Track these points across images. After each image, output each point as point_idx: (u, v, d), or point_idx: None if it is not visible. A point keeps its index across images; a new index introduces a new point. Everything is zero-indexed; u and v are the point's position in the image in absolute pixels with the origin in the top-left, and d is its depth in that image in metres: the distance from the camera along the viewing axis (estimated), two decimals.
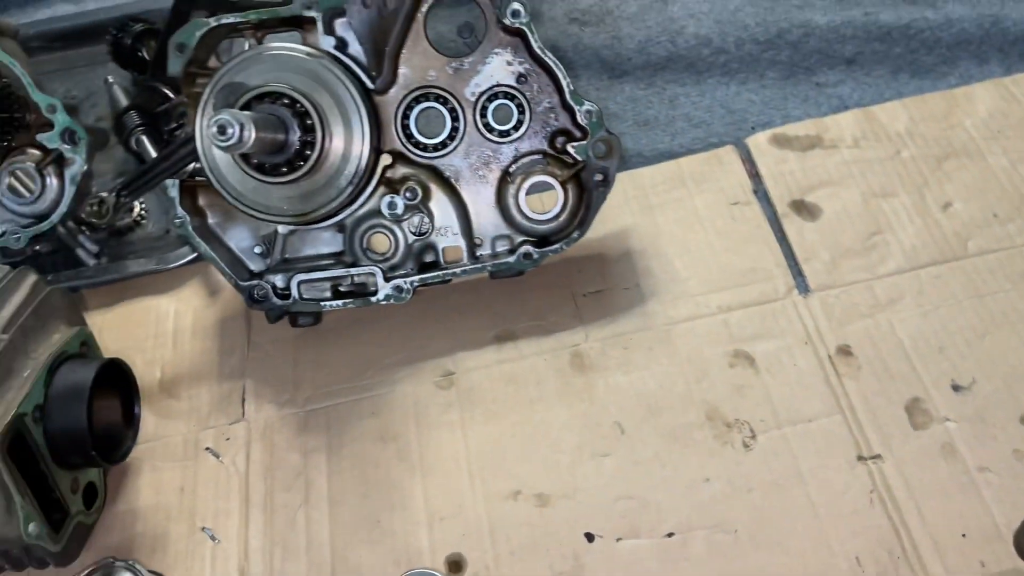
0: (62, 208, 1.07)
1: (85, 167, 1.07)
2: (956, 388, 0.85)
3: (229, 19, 0.91)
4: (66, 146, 1.07)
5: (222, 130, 0.71)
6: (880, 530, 0.79)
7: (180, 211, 0.94)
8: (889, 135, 1.04)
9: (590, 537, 0.82)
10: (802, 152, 1.05)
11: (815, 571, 0.77)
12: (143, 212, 1.16)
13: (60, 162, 1.07)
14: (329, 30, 0.90)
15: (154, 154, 1.08)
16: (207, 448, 0.93)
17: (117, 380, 0.86)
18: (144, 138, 1.16)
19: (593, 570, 0.80)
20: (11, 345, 0.78)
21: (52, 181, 1.07)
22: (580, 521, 0.83)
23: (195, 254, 1.04)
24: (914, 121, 1.05)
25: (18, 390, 0.77)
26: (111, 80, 1.20)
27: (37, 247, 1.11)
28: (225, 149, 0.73)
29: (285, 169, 0.86)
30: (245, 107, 0.85)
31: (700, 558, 0.80)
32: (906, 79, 1.10)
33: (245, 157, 0.86)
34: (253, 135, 0.73)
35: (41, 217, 1.06)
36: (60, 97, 1.06)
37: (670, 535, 0.81)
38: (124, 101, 1.17)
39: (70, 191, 1.07)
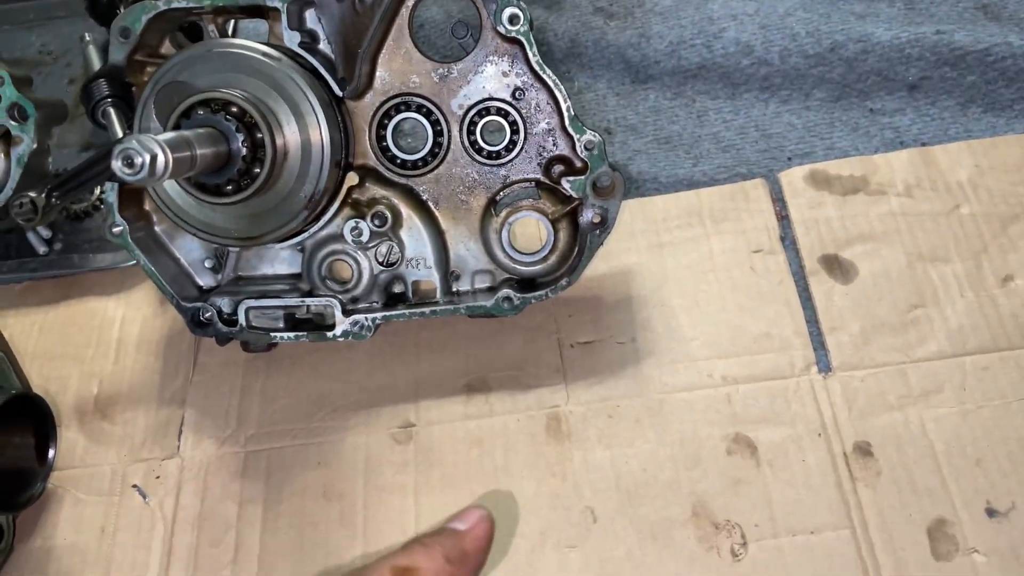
0: (7, 191, 0.97)
1: (34, 146, 0.97)
2: (991, 513, 0.72)
3: (181, 4, 0.78)
4: (12, 123, 0.96)
5: (128, 161, 0.59)
6: None
7: (118, 219, 0.83)
8: (949, 184, 0.88)
9: None
10: (843, 196, 0.90)
11: None
12: (102, 196, 1.06)
13: (7, 140, 0.97)
14: (296, 23, 0.77)
15: (120, 131, 0.97)
16: (135, 486, 0.84)
17: (33, 413, 0.77)
18: (112, 111, 1.05)
19: None
20: None
21: None
22: None
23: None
24: (980, 170, 0.89)
25: None
26: (88, 38, 1.09)
27: None
28: (134, 183, 0.61)
29: (229, 188, 0.74)
30: (184, 115, 0.72)
31: None
32: (977, 114, 0.94)
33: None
34: (170, 164, 0.61)
35: None
36: (35, 51, 0.95)
37: None
38: (98, 64, 1.06)
39: (16, 172, 0.97)
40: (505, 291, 0.81)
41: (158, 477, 0.84)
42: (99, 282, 0.98)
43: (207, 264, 0.87)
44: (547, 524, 0.77)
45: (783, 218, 0.90)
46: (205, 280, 0.87)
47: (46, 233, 1.03)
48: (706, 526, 0.75)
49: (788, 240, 0.89)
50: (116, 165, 0.59)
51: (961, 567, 0.70)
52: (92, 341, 0.94)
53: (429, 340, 0.89)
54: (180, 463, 0.85)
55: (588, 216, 0.79)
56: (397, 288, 0.85)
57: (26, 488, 0.75)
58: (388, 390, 0.86)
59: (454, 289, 0.84)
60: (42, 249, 1.01)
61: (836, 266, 0.86)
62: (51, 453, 0.76)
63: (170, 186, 0.78)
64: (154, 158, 0.60)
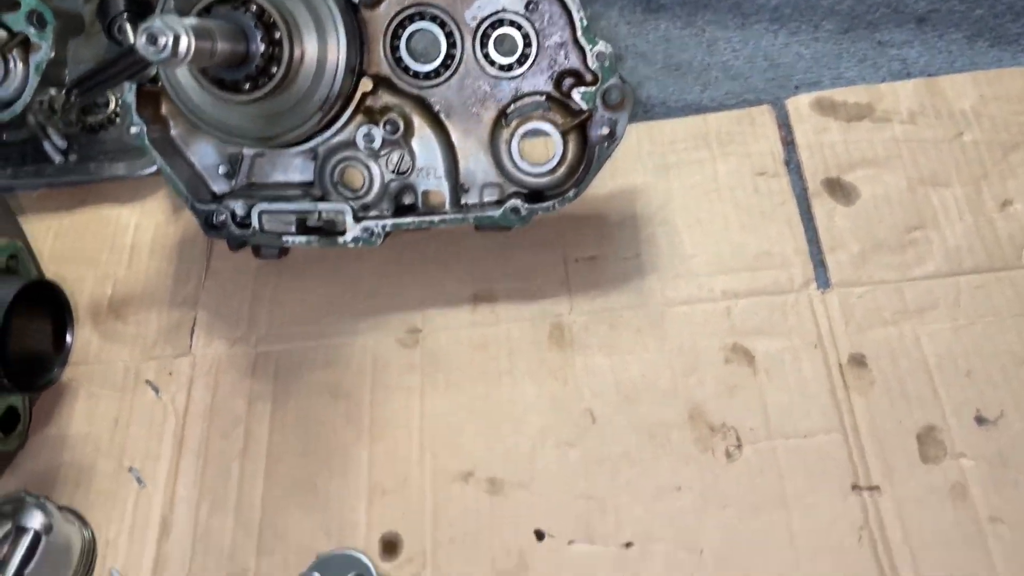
0: (25, 97, 0.99)
1: (52, 54, 0.98)
2: (980, 420, 0.74)
3: None
4: (32, 30, 0.97)
5: (152, 39, 0.61)
6: (865, 573, 0.69)
7: (136, 119, 0.84)
8: (952, 113, 0.90)
9: (540, 535, 0.74)
10: (847, 123, 0.91)
11: None
12: (118, 109, 1.07)
13: (26, 47, 0.98)
14: None
15: None
16: (148, 381, 0.86)
17: (49, 301, 0.79)
18: (128, 26, 1.06)
19: (538, 572, 0.73)
20: None
21: (17, 66, 0.98)
22: (532, 516, 0.75)
23: None
24: (984, 99, 0.90)
25: None
26: None
27: (3, 135, 1.03)
28: (157, 63, 0.63)
29: (247, 86, 0.76)
30: (205, 10, 0.74)
31: (658, 574, 0.71)
32: (984, 48, 0.95)
33: (202, 69, 0.75)
34: (192, 48, 0.62)
35: (4, 104, 0.99)
36: None
37: (628, 545, 0.73)
38: None
39: (34, 79, 0.98)
40: (513, 202, 0.82)
41: (170, 373, 0.86)
42: (113, 191, 0.99)
43: (221, 170, 0.88)
44: (548, 423, 0.79)
45: (788, 143, 0.92)
46: (219, 186, 0.89)
47: (61, 143, 1.04)
48: (702, 429, 0.77)
49: (792, 164, 0.90)
50: (140, 43, 0.61)
51: (948, 469, 0.72)
52: (106, 246, 0.96)
53: (436, 253, 0.91)
54: (192, 361, 0.87)
55: (597, 128, 0.81)
56: (407, 199, 0.86)
57: (44, 372, 0.78)
58: (396, 298, 0.88)
59: (463, 201, 0.86)
60: (58, 159, 1.03)
61: (838, 188, 0.88)
62: (68, 339, 0.78)
63: (187, 83, 0.79)
64: (177, 38, 0.61)
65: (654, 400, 0.79)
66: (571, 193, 0.82)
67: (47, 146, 1.03)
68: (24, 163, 1.02)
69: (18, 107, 0.98)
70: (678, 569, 0.71)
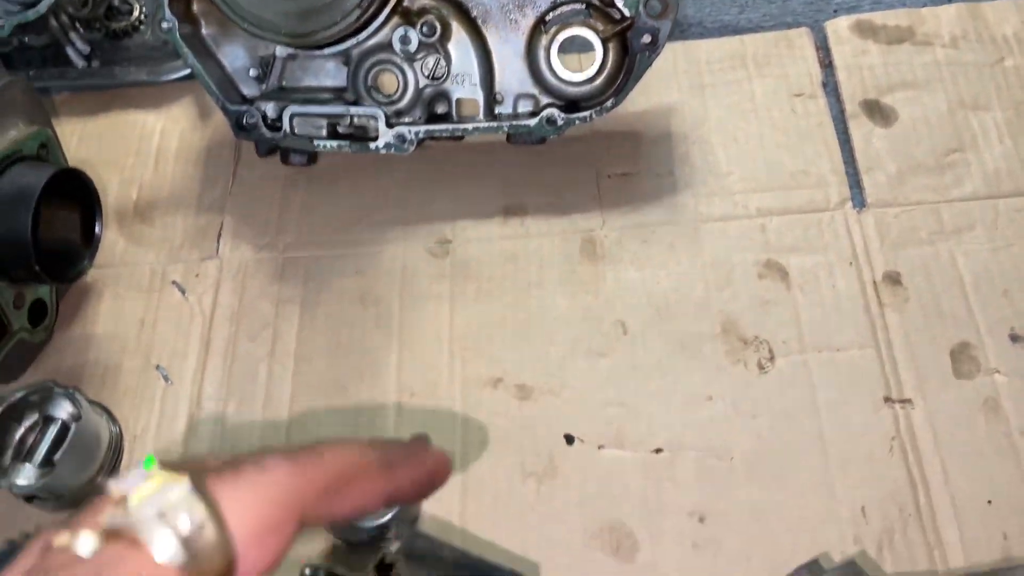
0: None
1: None
2: (1015, 338, 0.74)
3: None
4: None
5: None
6: (895, 482, 0.69)
7: (168, 14, 0.83)
8: (995, 38, 0.89)
9: (570, 439, 0.74)
10: (887, 45, 0.90)
11: (813, 514, 0.69)
12: (142, 16, 1.05)
13: None
14: None
15: None
16: (174, 282, 0.85)
17: (78, 193, 0.78)
18: None
19: (567, 476, 0.73)
20: None
21: None
22: (562, 421, 0.75)
23: (190, 70, 0.93)
24: None
25: None
26: None
27: (25, 38, 1.01)
28: None
29: None
30: None
31: (687, 481, 0.71)
32: None
33: None
34: None
35: (28, 4, 0.97)
36: None
37: (658, 451, 0.73)
38: None
39: None
40: (550, 111, 0.81)
41: (197, 276, 0.86)
42: (137, 97, 0.98)
43: (251, 73, 0.87)
44: (578, 334, 0.79)
45: (826, 65, 0.90)
46: (249, 90, 0.87)
47: (84, 48, 1.02)
48: (734, 341, 0.77)
49: (830, 86, 0.89)
50: None
51: (981, 385, 0.72)
52: (131, 151, 0.94)
53: (467, 166, 0.90)
54: (219, 264, 0.86)
55: (639, 37, 0.79)
56: (440, 107, 0.85)
57: (74, 263, 0.77)
58: (426, 209, 0.87)
59: (496, 112, 0.85)
60: (80, 64, 1.01)
61: (876, 110, 0.87)
62: (97, 229, 0.77)
63: None
64: None
65: (686, 313, 0.79)
66: (610, 103, 0.81)
67: (70, 51, 1.02)
68: (46, 66, 1.01)
69: (43, 7, 0.96)
70: (708, 475, 0.71)
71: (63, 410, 0.74)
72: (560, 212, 0.86)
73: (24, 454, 0.72)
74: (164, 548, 0.29)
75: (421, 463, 0.38)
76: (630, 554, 0.69)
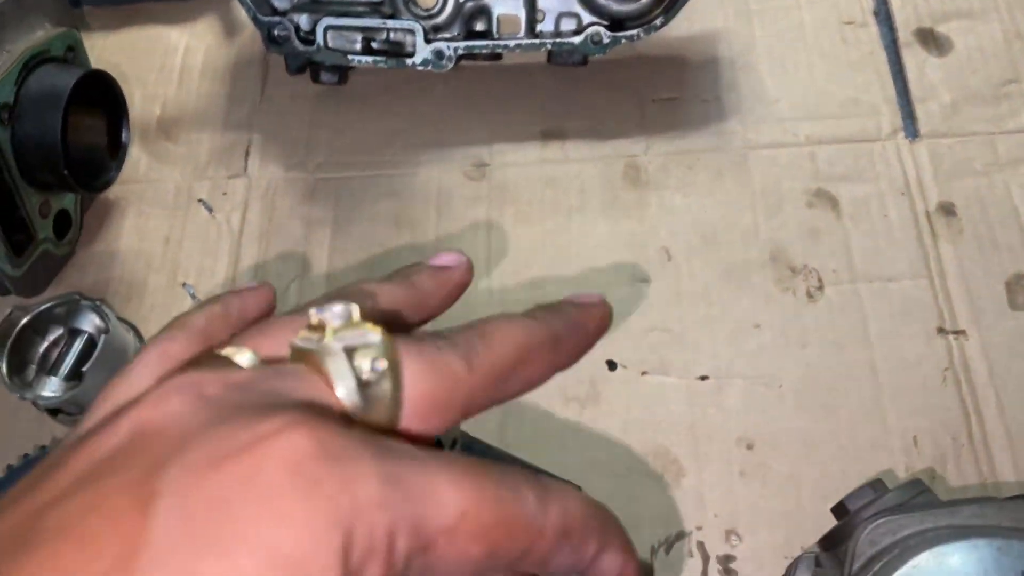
0: None
1: None
2: None
3: None
4: None
5: None
6: (948, 412, 0.68)
7: None
8: None
9: (612, 365, 0.72)
10: None
11: (863, 443, 0.67)
12: None
13: None
14: None
15: None
16: (200, 200, 0.83)
17: (104, 100, 0.75)
18: None
19: (610, 401, 0.71)
20: None
21: None
22: (604, 347, 0.72)
23: None
24: None
25: None
26: None
27: None
28: None
29: None
30: None
31: (733, 408, 0.70)
32: None
33: None
34: None
35: None
36: None
37: (704, 378, 0.71)
38: None
39: None
40: (595, 29, 0.78)
41: (224, 194, 0.83)
42: (160, 12, 0.94)
43: None
44: (622, 259, 0.77)
45: None
46: (281, 2, 0.84)
47: None
48: (783, 270, 0.75)
49: (882, 15, 0.86)
50: None
51: None
52: (154, 67, 0.91)
53: (504, 90, 0.87)
54: (247, 182, 0.83)
55: None
56: (480, 25, 0.82)
57: (101, 172, 0.74)
58: (461, 131, 0.85)
59: (538, 30, 0.81)
60: None
61: (930, 39, 0.84)
62: (124, 137, 0.74)
63: None
64: None
65: (733, 241, 0.76)
66: (659, 21, 0.78)
67: None
68: None
69: None
70: (755, 402, 0.70)
71: (89, 323, 0.71)
72: (601, 137, 0.83)
73: (49, 367, 0.70)
74: (346, 385, 0.28)
75: (585, 331, 0.36)
76: (676, 479, 0.67)
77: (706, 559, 0.64)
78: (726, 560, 0.64)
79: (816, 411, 0.69)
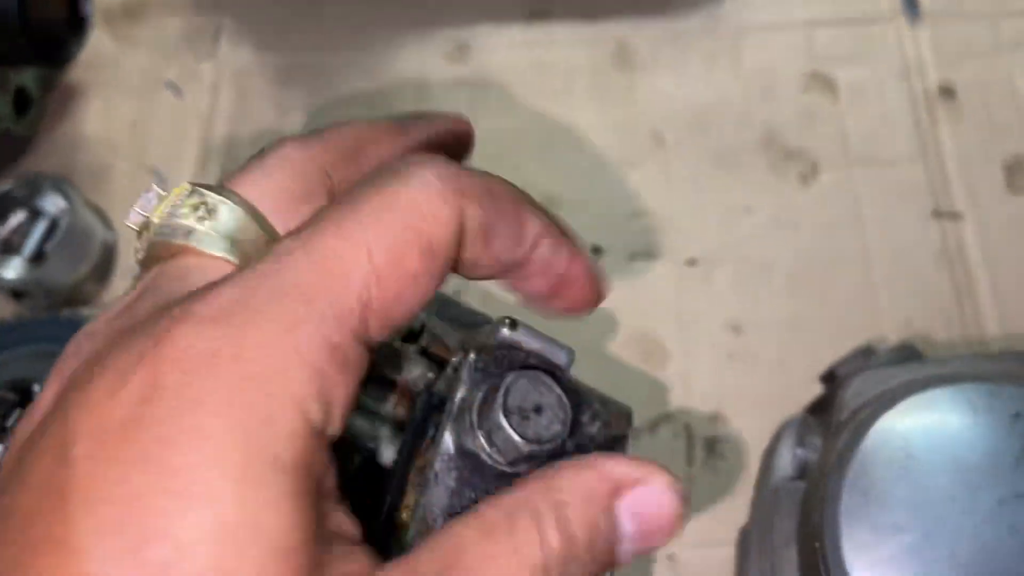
0: None
1: None
2: None
3: None
4: None
5: None
6: (942, 296, 0.66)
7: None
8: None
9: (597, 250, 0.70)
10: None
11: (855, 326, 0.65)
12: None
13: None
14: None
15: None
16: (168, 83, 0.79)
17: None
18: None
19: None
20: None
21: None
22: (590, 232, 0.70)
23: None
24: None
25: None
26: None
27: None
28: None
29: None
30: None
31: (722, 291, 0.68)
32: None
33: None
34: None
35: None
36: None
37: (692, 262, 0.69)
38: None
39: None
40: None
41: (193, 78, 0.79)
42: None
43: None
44: (610, 145, 0.74)
45: None
46: None
47: None
48: (777, 153, 0.72)
49: None
50: None
51: None
52: None
53: None
54: (216, 66, 0.79)
55: None
56: None
57: (62, 46, 0.70)
58: (441, 12, 0.80)
59: None
60: None
61: None
62: (84, 8, 0.70)
63: None
64: None
65: (726, 124, 0.74)
66: None
67: None
68: None
69: None
70: (745, 285, 0.68)
71: (53, 203, 0.68)
72: (589, 17, 0.79)
73: (13, 248, 0.67)
74: (209, 241, 0.29)
75: (434, 122, 0.37)
76: (661, 363, 0.66)
77: (691, 441, 0.63)
78: (712, 442, 0.63)
79: (806, 295, 0.67)
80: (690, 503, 0.27)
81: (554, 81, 0.77)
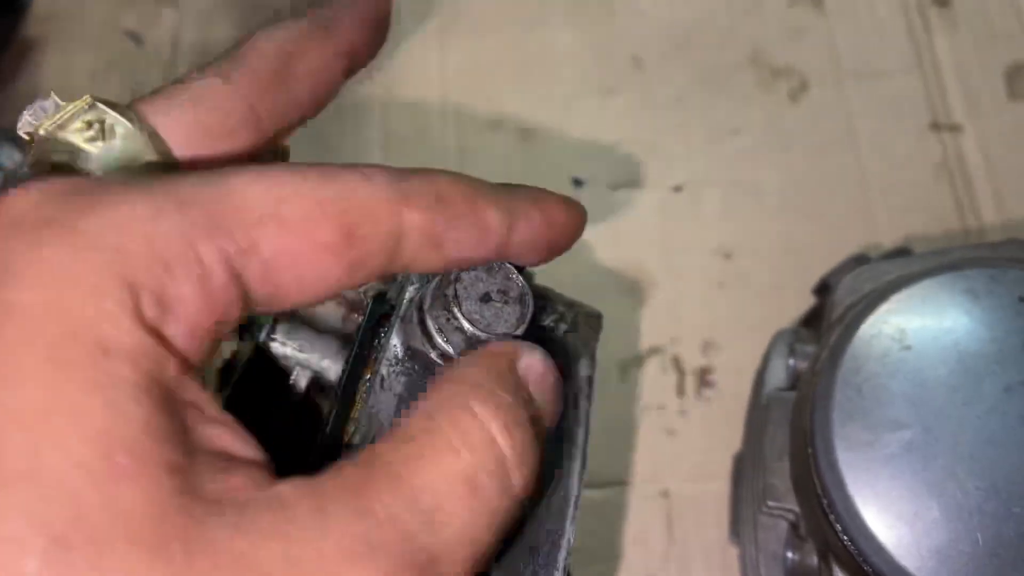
0: None
1: None
2: None
3: None
4: None
5: None
6: (942, 210, 0.63)
7: None
8: None
9: (578, 182, 0.67)
10: None
11: (853, 245, 0.62)
12: None
13: None
14: None
15: None
16: (128, 31, 0.76)
17: None
18: None
19: None
20: None
21: None
22: (569, 162, 0.67)
23: None
24: None
25: None
26: None
27: None
28: None
29: None
30: None
31: (711, 217, 0.64)
32: None
33: None
34: None
35: None
36: None
37: (678, 188, 0.66)
38: None
39: None
40: None
41: (153, 24, 0.76)
42: None
43: None
44: (587, 71, 0.70)
45: None
46: None
47: None
48: (764, 71, 0.69)
49: None
50: None
51: None
52: None
53: None
54: (177, 12, 0.76)
55: None
56: None
57: None
58: None
59: None
60: None
61: None
62: None
63: None
64: None
65: (709, 43, 0.70)
66: None
67: None
68: None
69: None
70: (734, 210, 0.64)
71: (8, 157, 0.65)
72: None
73: None
74: (94, 161, 0.28)
75: (356, 6, 0.35)
76: (650, 293, 0.63)
77: (682, 373, 0.60)
78: (703, 372, 0.60)
79: (799, 216, 0.64)
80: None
81: (528, 4, 0.73)
